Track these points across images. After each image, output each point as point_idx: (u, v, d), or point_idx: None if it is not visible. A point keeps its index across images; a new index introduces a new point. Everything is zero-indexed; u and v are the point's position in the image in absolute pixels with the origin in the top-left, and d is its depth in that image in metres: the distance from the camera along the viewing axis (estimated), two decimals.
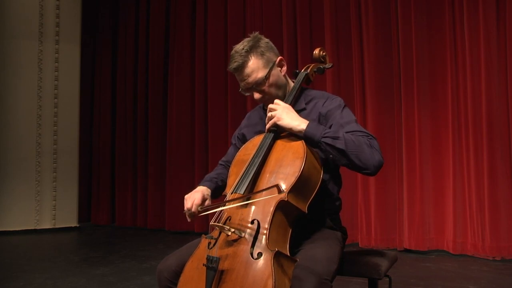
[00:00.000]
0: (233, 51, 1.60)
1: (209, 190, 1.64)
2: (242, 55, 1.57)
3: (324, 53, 1.79)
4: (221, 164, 1.86)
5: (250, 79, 1.59)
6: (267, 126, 1.53)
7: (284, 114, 1.49)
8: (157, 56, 6.02)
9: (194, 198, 1.54)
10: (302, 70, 1.74)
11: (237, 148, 1.72)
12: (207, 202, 1.59)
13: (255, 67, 1.58)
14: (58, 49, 5.75)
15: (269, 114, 1.53)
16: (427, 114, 4.16)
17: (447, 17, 4.10)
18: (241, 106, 5.18)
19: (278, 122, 1.49)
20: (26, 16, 5.57)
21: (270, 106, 1.54)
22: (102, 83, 6.60)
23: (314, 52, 1.78)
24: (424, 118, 4.16)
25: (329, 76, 4.50)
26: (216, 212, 1.45)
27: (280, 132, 1.54)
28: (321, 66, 1.77)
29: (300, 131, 1.46)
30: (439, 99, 4.15)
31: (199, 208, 1.51)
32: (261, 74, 1.59)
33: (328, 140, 1.42)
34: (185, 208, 1.54)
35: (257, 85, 1.60)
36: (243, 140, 1.75)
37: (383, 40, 4.39)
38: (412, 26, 4.21)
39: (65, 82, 5.80)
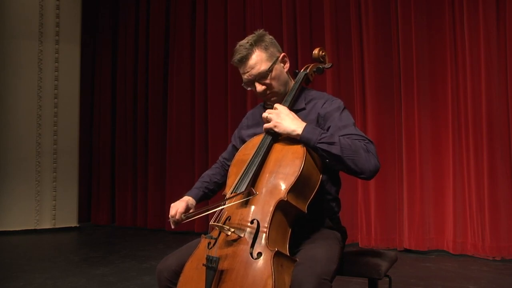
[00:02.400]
0: (237, 45, 1.63)
1: (194, 201, 1.71)
2: (246, 48, 1.60)
3: (323, 53, 1.79)
4: (219, 162, 1.91)
5: (254, 71, 1.60)
6: (264, 128, 1.54)
7: (279, 120, 1.48)
8: (157, 56, 6.02)
9: (178, 207, 1.62)
10: (302, 70, 1.74)
11: (236, 149, 1.73)
12: (191, 210, 1.66)
13: (258, 60, 1.59)
14: (58, 49, 5.75)
15: (264, 115, 1.53)
16: (427, 114, 4.16)
17: (447, 17, 4.10)
18: (241, 106, 5.18)
19: (275, 129, 1.49)
20: (26, 16, 5.58)
21: (268, 110, 1.54)
22: (102, 83, 6.60)
23: (313, 52, 1.77)
24: (424, 118, 4.16)
25: (329, 76, 4.50)
26: (215, 212, 1.45)
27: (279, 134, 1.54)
28: (321, 66, 1.76)
29: (296, 136, 1.46)
30: (439, 99, 4.15)
31: (182, 216, 1.59)
32: (264, 66, 1.60)
33: (324, 146, 1.42)
34: (169, 216, 1.62)
35: (260, 77, 1.61)
36: (243, 142, 1.75)
37: (383, 40, 4.39)
38: (412, 26, 4.21)
39: (65, 82, 5.80)
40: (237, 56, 1.61)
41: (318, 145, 1.42)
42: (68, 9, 5.89)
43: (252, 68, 1.60)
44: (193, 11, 5.72)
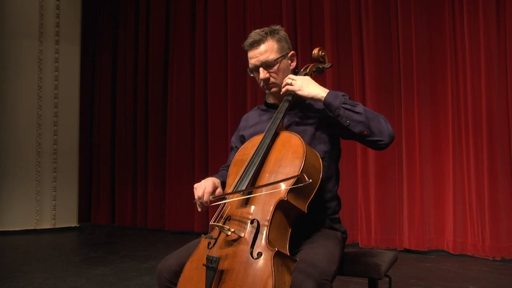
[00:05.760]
0: (252, 32, 1.67)
1: (219, 180, 1.62)
2: (260, 34, 1.64)
3: (323, 53, 1.79)
4: (223, 169, 1.86)
5: (262, 57, 1.63)
6: (283, 90, 1.59)
7: (304, 84, 1.56)
8: (157, 56, 6.02)
9: (205, 186, 1.51)
10: (301, 70, 1.74)
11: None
12: (218, 191, 1.55)
13: (269, 48, 1.63)
14: (58, 49, 5.76)
15: (287, 80, 1.58)
16: (427, 114, 4.16)
17: (447, 17, 4.10)
18: (241, 106, 5.19)
19: (299, 92, 1.56)
20: (26, 16, 5.58)
21: (290, 76, 1.61)
22: (102, 83, 6.60)
23: (313, 51, 1.78)
24: (424, 118, 4.16)
25: (329, 76, 4.51)
26: (216, 211, 1.45)
27: (280, 130, 1.55)
28: (320, 66, 1.76)
29: (320, 99, 1.54)
30: (439, 99, 4.15)
31: (210, 197, 1.48)
32: (273, 55, 1.63)
33: (347, 106, 1.50)
34: (196, 197, 1.51)
35: (266, 65, 1.64)
36: (243, 142, 1.75)
37: (383, 40, 4.39)
38: (412, 26, 4.21)
39: (65, 82, 5.80)
40: (249, 40, 1.65)
41: (342, 105, 1.50)
42: (68, 9, 5.89)
43: (261, 54, 1.63)
44: (193, 11, 5.73)
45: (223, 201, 1.45)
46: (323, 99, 1.53)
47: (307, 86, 1.56)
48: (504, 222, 3.72)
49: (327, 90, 1.55)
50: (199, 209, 1.53)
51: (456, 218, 3.94)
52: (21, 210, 5.45)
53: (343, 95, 1.55)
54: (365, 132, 1.50)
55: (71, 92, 5.87)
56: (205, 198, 1.49)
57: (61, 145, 5.74)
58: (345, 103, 1.51)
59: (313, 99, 1.56)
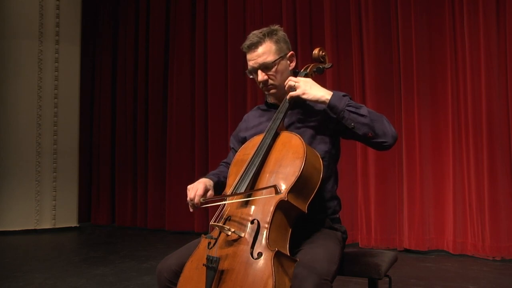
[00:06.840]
0: (250, 34, 1.66)
1: (211, 182, 1.65)
2: (258, 36, 1.63)
3: (323, 53, 1.79)
4: (222, 164, 1.88)
5: (260, 59, 1.63)
6: (288, 96, 1.58)
7: (307, 87, 1.55)
8: (157, 56, 6.02)
9: (196, 189, 1.56)
10: (302, 70, 1.74)
11: (236, 152, 1.72)
12: (209, 193, 1.59)
13: (267, 50, 1.63)
14: (58, 49, 5.76)
15: (290, 83, 1.57)
16: (427, 114, 4.16)
17: (447, 17, 4.11)
18: (241, 106, 5.19)
19: (303, 96, 1.55)
20: (26, 16, 5.58)
21: (291, 78, 1.59)
22: (102, 83, 6.60)
23: (313, 52, 1.78)
24: (424, 118, 4.16)
25: (329, 76, 4.51)
26: (216, 211, 1.45)
27: (280, 130, 1.55)
28: (321, 66, 1.76)
29: (324, 102, 1.53)
30: (439, 99, 4.15)
31: (201, 200, 1.52)
32: (271, 57, 1.63)
33: (352, 108, 1.50)
34: (188, 199, 1.55)
35: (264, 67, 1.63)
36: (244, 142, 1.75)
37: (383, 40, 4.39)
38: (412, 26, 4.21)
39: (65, 82, 5.80)
40: (247, 42, 1.64)
41: (347, 107, 1.50)
42: (68, 9, 5.89)
43: (259, 56, 1.62)
44: (193, 11, 5.73)
45: (214, 204, 1.49)
46: (328, 101, 1.52)
47: (311, 89, 1.55)
48: (504, 222, 3.72)
49: (331, 92, 1.54)
50: (191, 210, 1.58)
51: (456, 218, 3.94)
52: (21, 210, 5.45)
53: (344, 95, 1.55)
54: (370, 134, 1.50)
55: (71, 92, 5.87)
56: (196, 200, 1.53)
57: (61, 145, 5.74)
58: (349, 105, 1.51)
59: (318, 102, 1.55)
